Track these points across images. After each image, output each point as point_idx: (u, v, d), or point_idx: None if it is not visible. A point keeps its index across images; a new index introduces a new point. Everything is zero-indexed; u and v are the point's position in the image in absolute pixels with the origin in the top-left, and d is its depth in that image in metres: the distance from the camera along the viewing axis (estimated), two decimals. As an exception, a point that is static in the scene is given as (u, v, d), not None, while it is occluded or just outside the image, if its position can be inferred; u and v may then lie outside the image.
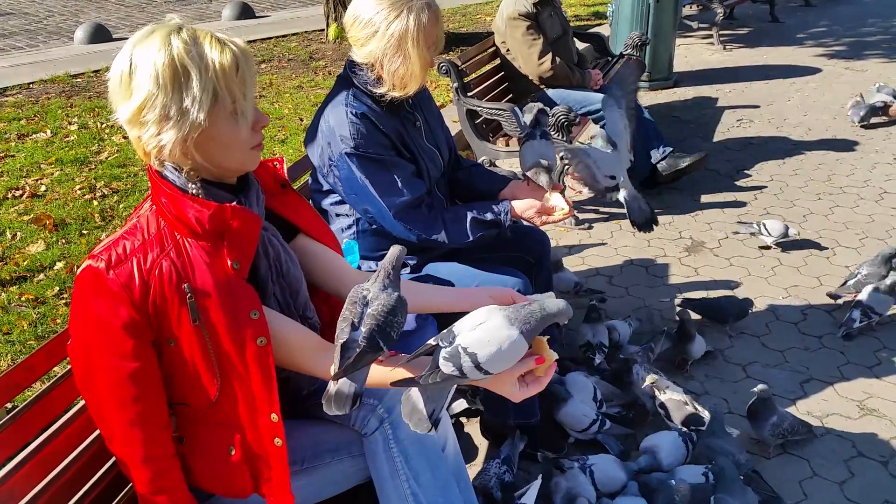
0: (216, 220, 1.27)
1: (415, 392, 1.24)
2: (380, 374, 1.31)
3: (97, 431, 1.45)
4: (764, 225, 3.49)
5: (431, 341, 1.25)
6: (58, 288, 3.25)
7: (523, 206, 2.17)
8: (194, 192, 1.29)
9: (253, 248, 1.34)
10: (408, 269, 2.22)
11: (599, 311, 2.73)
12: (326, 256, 1.58)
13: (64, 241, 3.69)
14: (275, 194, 1.52)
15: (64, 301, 3.16)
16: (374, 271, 2.18)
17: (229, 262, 1.29)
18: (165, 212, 1.29)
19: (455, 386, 1.26)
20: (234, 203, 1.31)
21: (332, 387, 1.25)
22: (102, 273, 1.23)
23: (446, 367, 1.20)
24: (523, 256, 2.43)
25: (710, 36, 7.80)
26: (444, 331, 1.25)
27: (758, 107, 5.74)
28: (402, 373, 1.30)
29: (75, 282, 1.27)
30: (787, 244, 3.51)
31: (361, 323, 1.26)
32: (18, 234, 3.76)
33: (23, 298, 3.16)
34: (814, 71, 6.72)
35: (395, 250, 1.33)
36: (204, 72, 1.21)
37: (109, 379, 1.26)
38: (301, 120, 5.53)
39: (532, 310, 1.22)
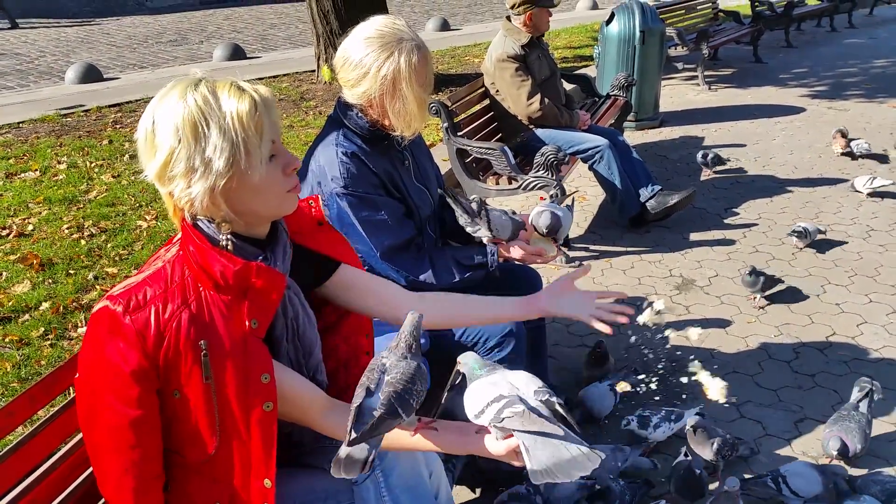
0: (240, 276, 1.26)
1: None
2: (406, 439, 1.32)
3: (81, 478, 1.43)
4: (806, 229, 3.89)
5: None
6: (43, 329, 3.20)
7: (512, 248, 2.19)
8: (224, 244, 1.28)
9: (274, 309, 1.32)
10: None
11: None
12: (376, 284, 1.59)
13: (50, 280, 3.65)
14: (313, 233, 1.51)
15: (49, 342, 3.11)
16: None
17: (247, 321, 1.28)
18: (192, 261, 1.27)
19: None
20: (260, 260, 1.30)
21: (343, 451, 1.22)
22: (119, 316, 1.21)
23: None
24: (515, 295, 2.41)
25: (696, 76, 7.93)
26: None
27: (744, 146, 5.82)
28: (431, 444, 1.34)
29: (90, 319, 1.25)
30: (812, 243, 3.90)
31: (378, 389, 1.24)
32: (4, 273, 3.72)
33: (7, 340, 3.11)
34: (798, 110, 6.84)
35: (412, 318, 1.33)
36: (222, 121, 1.21)
37: (110, 422, 1.24)
38: (291, 159, 5.55)
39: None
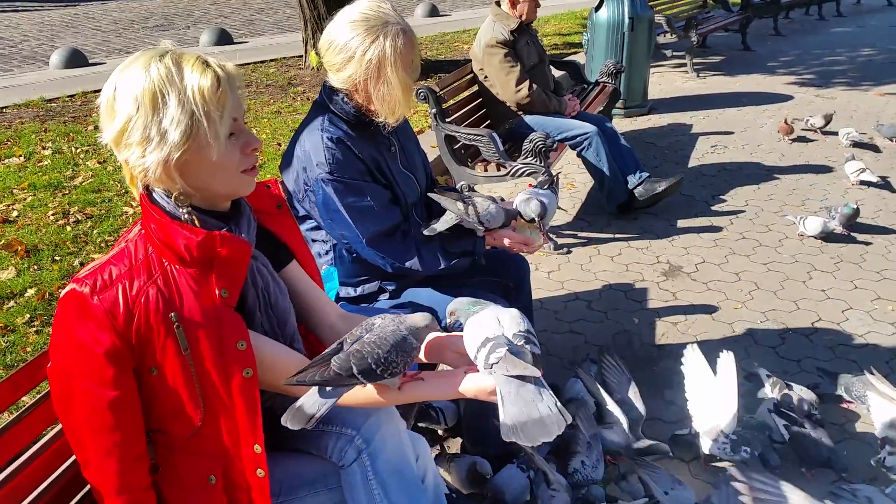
0: (205, 247, 1.26)
1: (310, 397, 1.24)
2: (393, 395, 1.31)
3: (66, 464, 1.42)
4: (804, 221, 3.91)
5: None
6: (28, 315, 3.17)
7: (498, 235, 2.19)
8: (185, 218, 1.27)
9: (242, 277, 1.32)
10: (386, 295, 2.20)
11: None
12: (312, 294, 1.57)
13: (36, 267, 3.62)
14: (272, 214, 1.51)
15: (34, 329, 3.09)
16: (353, 297, 2.20)
17: (217, 291, 1.28)
18: (154, 237, 1.27)
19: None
20: (224, 230, 1.29)
21: (300, 401, 1.23)
22: (86, 298, 1.21)
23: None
24: (502, 281, 2.42)
25: (684, 64, 7.93)
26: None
27: (732, 133, 5.83)
28: (421, 395, 1.34)
29: (58, 304, 1.25)
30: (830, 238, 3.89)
31: (350, 346, 1.25)
32: (-12, 260, 3.68)
33: (-9, 327, 3.09)
34: (786, 98, 6.86)
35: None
36: (182, 94, 1.21)
37: (87, 406, 1.24)
38: (279, 145, 5.52)
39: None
